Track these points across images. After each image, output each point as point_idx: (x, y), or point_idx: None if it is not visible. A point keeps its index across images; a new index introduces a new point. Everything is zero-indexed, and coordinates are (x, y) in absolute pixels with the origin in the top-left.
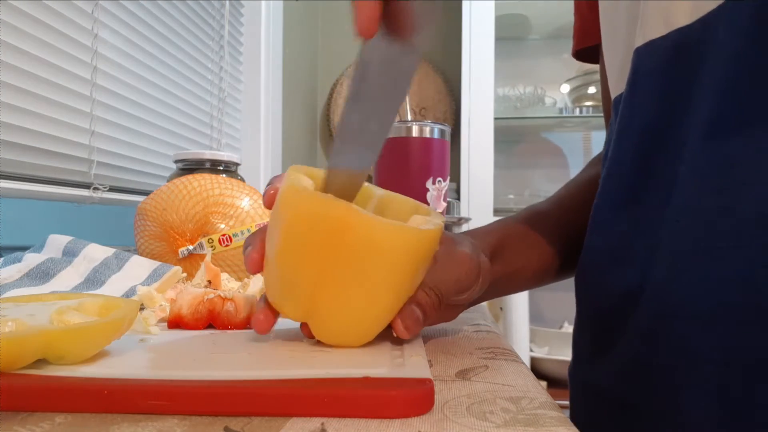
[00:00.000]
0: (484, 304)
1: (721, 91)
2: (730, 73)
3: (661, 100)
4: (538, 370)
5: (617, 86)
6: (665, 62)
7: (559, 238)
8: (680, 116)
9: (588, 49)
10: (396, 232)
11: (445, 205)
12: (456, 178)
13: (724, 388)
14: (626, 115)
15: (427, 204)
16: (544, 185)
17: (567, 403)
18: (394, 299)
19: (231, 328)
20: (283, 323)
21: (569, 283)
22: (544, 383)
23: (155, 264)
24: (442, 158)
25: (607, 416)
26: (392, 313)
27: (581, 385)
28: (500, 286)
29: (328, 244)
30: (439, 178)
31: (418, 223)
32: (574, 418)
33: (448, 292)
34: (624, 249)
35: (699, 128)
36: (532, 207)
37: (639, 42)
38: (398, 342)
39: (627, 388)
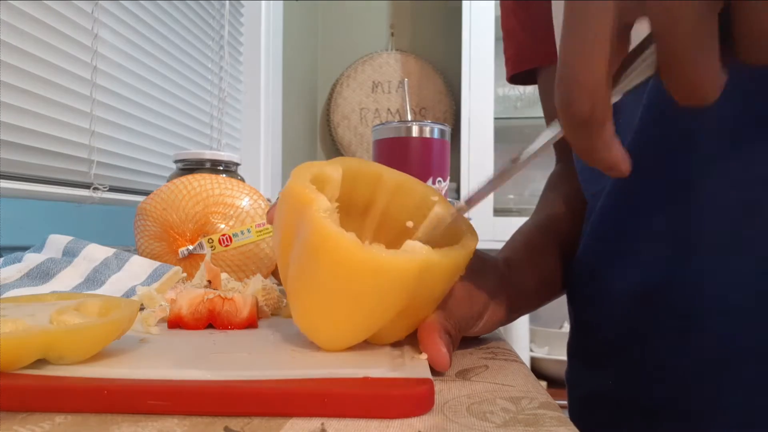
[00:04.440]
0: None
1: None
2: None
3: (659, 97)
4: (538, 370)
5: None
6: None
7: (569, 249)
8: (694, 112)
9: (523, 73)
10: (337, 245)
11: None
12: (456, 178)
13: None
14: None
15: None
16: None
17: (567, 403)
18: (344, 313)
19: (231, 328)
20: (283, 324)
21: None
22: (544, 383)
23: (155, 264)
24: (442, 158)
25: (620, 424)
26: (359, 327)
27: (584, 395)
28: (535, 306)
29: (295, 224)
30: (439, 178)
31: (408, 246)
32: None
33: (461, 328)
34: (634, 252)
35: (715, 121)
36: (533, 223)
37: None
38: (398, 342)
39: (649, 393)
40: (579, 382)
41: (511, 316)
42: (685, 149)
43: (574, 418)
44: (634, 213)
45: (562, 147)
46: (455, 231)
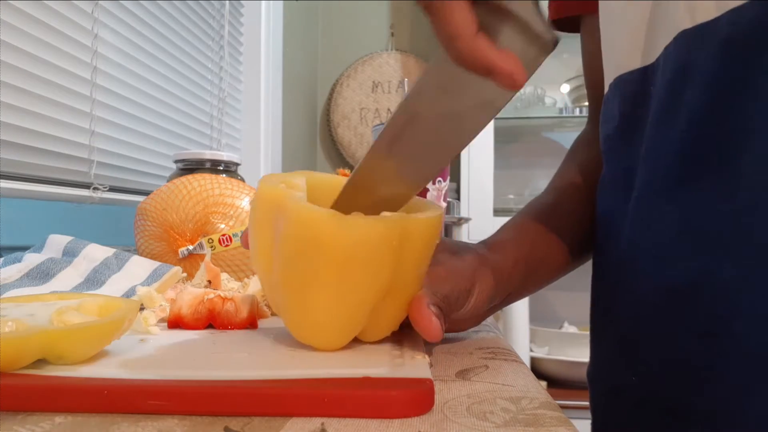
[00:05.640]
0: None
1: None
2: None
3: (716, 86)
4: (538, 370)
5: (624, 63)
6: (720, 46)
7: (571, 229)
8: (741, 102)
9: (565, 20)
10: (320, 221)
11: (445, 205)
12: (456, 178)
13: None
14: (669, 101)
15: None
16: (544, 185)
17: (567, 403)
18: (336, 296)
19: (231, 328)
20: (283, 324)
21: (570, 282)
22: (544, 383)
23: (155, 264)
24: None
25: (641, 421)
26: (353, 312)
27: (606, 390)
28: (522, 287)
29: (272, 227)
30: (439, 178)
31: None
32: (595, 425)
33: (451, 304)
34: (673, 246)
35: (763, 114)
36: (537, 201)
37: (686, 24)
38: (398, 342)
39: (671, 392)
40: (601, 377)
41: (499, 294)
42: (718, 137)
43: (596, 413)
44: (662, 206)
45: (595, 104)
46: (417, 208)
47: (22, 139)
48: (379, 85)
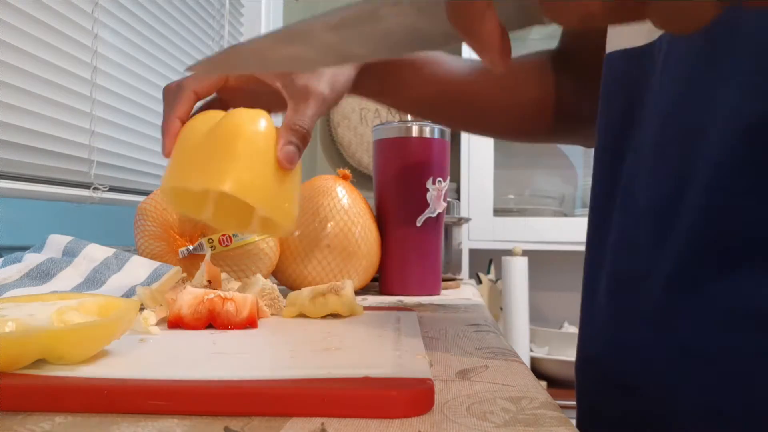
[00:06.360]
0: (484, 304)
1: (754, 83)
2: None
3: (681, 89)
4: (538, 370)
5: (614, 41)
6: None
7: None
8: (704, 107)
9: None
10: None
11: (445, 205)
12: (456, 178)
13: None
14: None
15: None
16: (544, 185)
17: (567, 403)
18: None
19: (231, 328)
20: (283, 324)
21: (570, 282)
22: (544, 383)
23: (155, 264)
24: (442, 158)
25: (604, 392)
26: None
27: (582, 357)
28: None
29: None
30: (439, 178)
31: None
32: (580, 406)
33: None
34: (634, 236)
35: (726, 122)
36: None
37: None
38: (398, 342)
39: (626, 370)
40: (582, 344)
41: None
42: (696, 147)
43: (578, 376)
44: (647, 199)
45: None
46: None
47: (22, 139)
48: None
